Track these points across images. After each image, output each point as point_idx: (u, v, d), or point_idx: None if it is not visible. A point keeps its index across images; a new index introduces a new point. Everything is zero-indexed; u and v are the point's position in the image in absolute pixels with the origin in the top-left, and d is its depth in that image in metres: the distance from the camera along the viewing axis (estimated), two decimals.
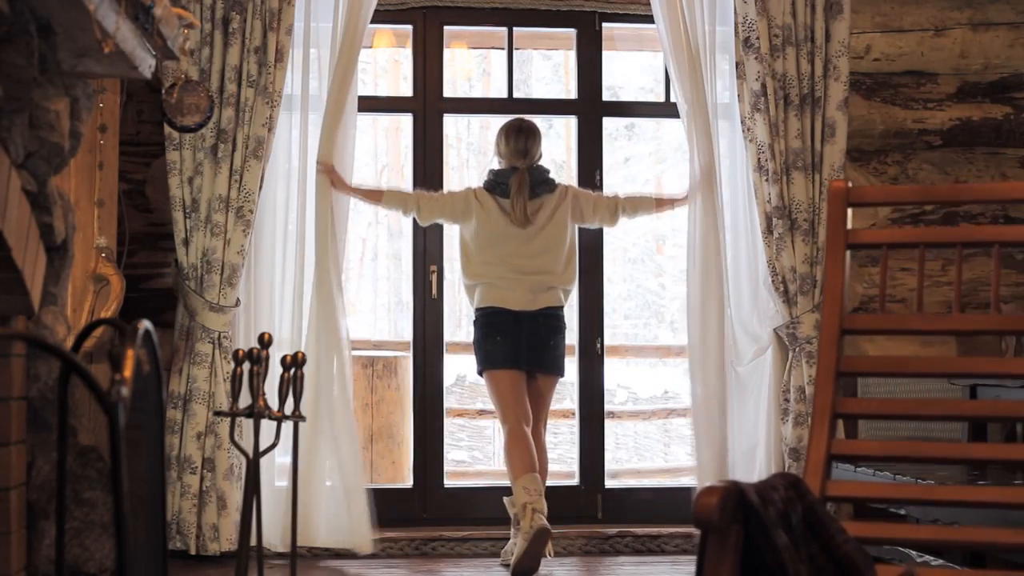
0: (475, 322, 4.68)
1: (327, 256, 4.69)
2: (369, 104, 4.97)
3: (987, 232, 3.75)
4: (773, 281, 4.85)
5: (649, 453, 9.47)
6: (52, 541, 2.72)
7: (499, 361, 4.57)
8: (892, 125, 5.28)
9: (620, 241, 11.53)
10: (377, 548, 4.78)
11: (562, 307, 4.67)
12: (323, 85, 4.85)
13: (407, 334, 5.36)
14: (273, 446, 3.65)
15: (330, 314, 4.69)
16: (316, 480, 4.68)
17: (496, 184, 4.64)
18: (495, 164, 4.77)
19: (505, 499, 4.60)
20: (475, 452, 9.32)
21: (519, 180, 4.59)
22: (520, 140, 4.64)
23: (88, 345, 3.64)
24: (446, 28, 5.24)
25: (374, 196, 4.86)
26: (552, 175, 4.76)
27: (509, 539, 4.64)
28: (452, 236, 5.03)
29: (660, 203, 4.92)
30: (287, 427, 3.67)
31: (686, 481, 7.45)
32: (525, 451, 4.45)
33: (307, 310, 4.77)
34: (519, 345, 4.55)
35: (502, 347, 4.56)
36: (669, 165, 4.78)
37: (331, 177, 4.74)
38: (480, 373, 4.70)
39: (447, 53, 5.42)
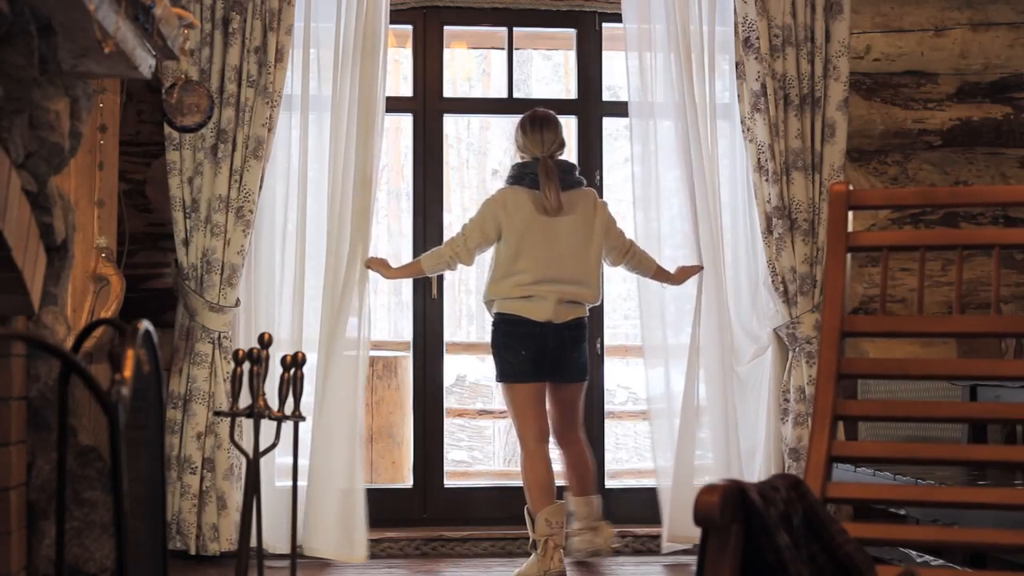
0: (495, 327, 4.56)
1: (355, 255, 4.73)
2: None
3: (987, 235, 3.75)
4: (773, 281, 4.85)
5: (649, 453, 9.46)
6: (52, 541, 2.72)
7: (521, 375, 4.48)
8: (892, 125, 5.28)
9: None
10: (376, 550, 4.78)
11: (586, 316, 4.61)
12: (323, 85, 4.85)
13: (407, 334, 5.36)
14: (273, 446, 3.65)
15: (343, 313, 4.71)
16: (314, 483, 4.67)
17: (524, 175, 4.53)
18: (516, 159, 4.67)
19: (528, 515, 4.52)
20: (475, 452, 9.33)
21: (546, 167, 4.49)
22: (536, 130, 4.55)
23: (88, 345, 3.64)
24: (446, 28, 5.24)
25: (415, 269, 4.75)
26: (579, 173, 4.69)
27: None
28: (452, 236, 5.01)
29: (657, 272, 4.81)
30: (287, 427, 3.67)
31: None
32: (544, 474, 4.43)
33: (307, 310, 4.79)
34: (543, 358, 4.46)
35: (526, 360, 4.45)
36: (668, 166, 4.80)
37: (380, 268, 4.74)
38: (498, 380, 4.63)
39: (447, 53, 5.42)
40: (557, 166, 4.54)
